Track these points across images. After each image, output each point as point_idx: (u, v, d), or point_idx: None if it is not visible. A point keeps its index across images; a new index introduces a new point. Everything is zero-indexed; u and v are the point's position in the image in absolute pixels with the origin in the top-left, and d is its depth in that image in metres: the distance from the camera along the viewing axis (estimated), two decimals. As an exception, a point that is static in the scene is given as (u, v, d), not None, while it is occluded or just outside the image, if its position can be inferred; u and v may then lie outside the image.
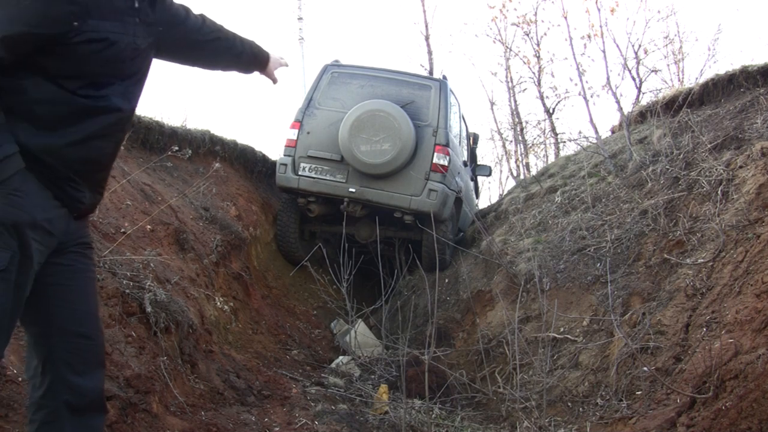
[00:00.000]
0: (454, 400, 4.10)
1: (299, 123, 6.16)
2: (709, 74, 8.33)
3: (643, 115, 7.45)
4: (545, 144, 15.75)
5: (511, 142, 15.69)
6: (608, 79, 7.01)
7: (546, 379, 3.66)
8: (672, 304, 3.76)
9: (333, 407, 3.70)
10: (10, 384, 2.31)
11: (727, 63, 23.23)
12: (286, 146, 6.17)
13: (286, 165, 6.07)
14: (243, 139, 9.57)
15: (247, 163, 6.98)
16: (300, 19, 18.61)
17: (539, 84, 13.64)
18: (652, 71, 11.01)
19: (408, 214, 5.95)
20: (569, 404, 3.70)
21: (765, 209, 3.78)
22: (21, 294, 1.61)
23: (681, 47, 13.46)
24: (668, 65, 13.44)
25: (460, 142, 6.89)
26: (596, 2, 7.56)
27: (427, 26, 14.57)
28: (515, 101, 14.35)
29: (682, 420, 2.83)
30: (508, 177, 16.96)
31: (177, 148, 5.30)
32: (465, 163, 7.25)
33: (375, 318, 5.77)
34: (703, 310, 3.50)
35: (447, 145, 5.98)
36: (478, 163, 8.54)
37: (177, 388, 3.15)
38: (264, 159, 7.32)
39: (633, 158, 5.81)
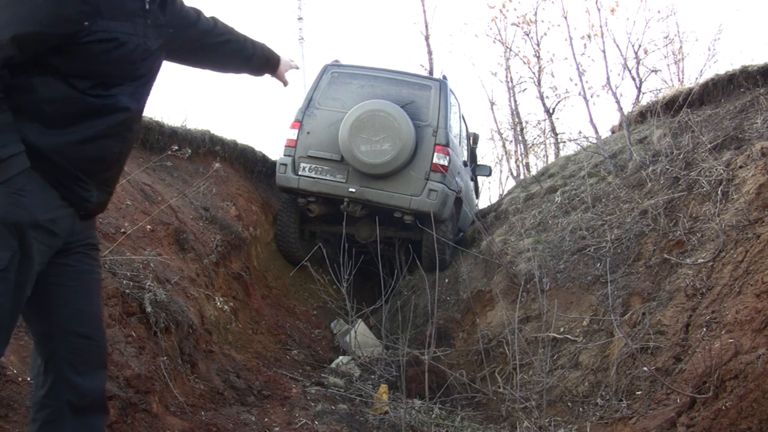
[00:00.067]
0: (454, 400, 4.10)
1: (299, 123, 6.16)
2: (709, 74, 8.34)
3: (643, 115, 7.45)
4: (545, 144, 15.77)
5: (511, 142, 15.71)
6: (608, 79, 7.02)
7: (546, 379, 3.66)
8: (672, 304, 3.76)
9: (333, 407, 3.70)
10: (10, 384, 2.31)
11: (727, 63, 23.27)
12: (286, 146, 6.17)
13: (286, 165, 6.07)
14: (243, 139, 9.58)
15: (247, 163, 6.98)
16: (300, 19, 18.61)
17: (539, 84, 13.65)
18: (652, 71, 11.01)
19: (408, 214, 5.95)
20: (569, 404, 3.70)
21: (765, 209, 3.78)
22: (21, 294, 1.61)
23: (681, 47, 13.48)
24: (668, 65, 13.46)
25: (460, 142, 6.89)
26: (596, 2, 7.56)
27: (427, 26, 14.59)
28: (515, 101, 14.37)
29: (682, 420, 2.83)
30: (508, 177, 16.98)
31: (177, 147, 5.30)
32: (465, 163, 7.25)
33: (375, 318, 5.77)
34: (703, 310, 3.50)
35: (447, 145, 5.98)
36: (478, 163, 8.54)
37: (177, 388, 3.15)
38: (264, 159, 7.32)
39: (633, 158, 5.81)
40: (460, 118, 7.09)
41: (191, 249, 4.41)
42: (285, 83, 2.52)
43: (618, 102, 7.31)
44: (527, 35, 13.65)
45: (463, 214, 7.00)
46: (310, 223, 6.55)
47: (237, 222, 5.60)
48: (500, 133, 16.20)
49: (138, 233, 3.91)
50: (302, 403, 3.70)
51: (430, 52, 14.52)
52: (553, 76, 18.98)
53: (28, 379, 2.37)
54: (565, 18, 8.44)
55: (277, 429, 3.28)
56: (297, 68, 2.58)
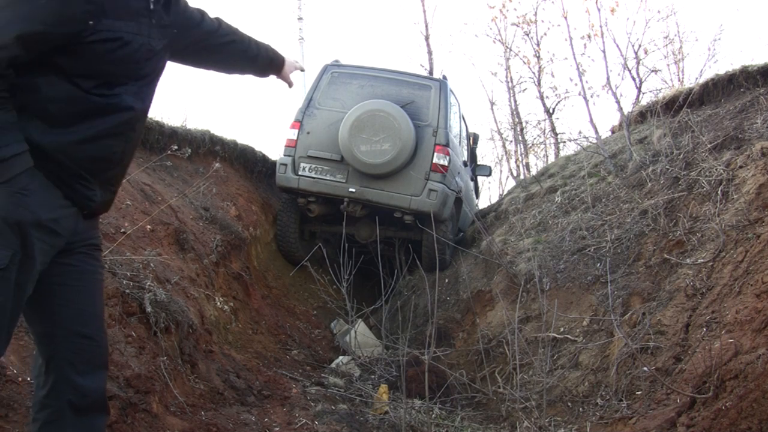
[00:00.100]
0: (454, 400, 4.10)
1: (299, 123, 6.16)
2: (709, 74, 8.33)
3: (643, 115, 7.45)
4: (545, 144, 15.77)
5: (511, 142, 15.71)
6: (608, 79, 7.02)
7: (546, 379, 3.66)
8: (672, 304, 3.76)
9: (333, 407, 3.70)
10: (10, 384, 2.31)
11: (727, 63, 23.27)
12: (286, 146, 6.17)
13: (286, 165, 6.07)
14: (243, 139, 9.58)
15: (247, 163, 6.98)
16: (300, 19, 18.59)
17: (539, 84, 13.65)
18: (652, 71, 11.01)
19: (408, 214, 5.95)
20: (569, 404, 3.70)
21: (765, 209, 3.78)
22: (22, 293, 1.61)
23: (681, 47, 13.48)
24: (668, 65, 13.46)
25: (460, 142, 6.89)
26: (596, 2, 7.56)
27: (427, 26, 14.59)
28: (515, 101, 14.37)
29: (682, 420, 2.83)
30: (508, 177, 16.98)
31: (176, 147, 5.30)
32: (465, 163, 7.25)
33: (375, 318, 5.77)
34: (703, 310, 3.50)
35: (447, 145, 5.98)
36: (478, 163, 8.54)
37: (177, 388, 3.15)
38: (264, 159, 7.32)
39: (633, 158, 5.81)
40: (460, 118, 7.09)
41: (191, 249, 4.41)
42: (290, 84, 2.53)
43: (618, 102, 7.31)
44: (527, 35, 13.66)
45: (463, 214, 7.00)
46: (310, 223, 6.55)
47: (237, 222, 5.60)
48: (500, 133, 16.22)
49: (138, 233, 3.91)
50: (302, 403, 3.70)
51: (430, 52, 14.53)
52: (553, 76, 19.02)
53: (28, 379, 2.37)
54: (565, 18, 8.43)
55: (277, 429, 3.28)
56: (302, 70, 2.60)
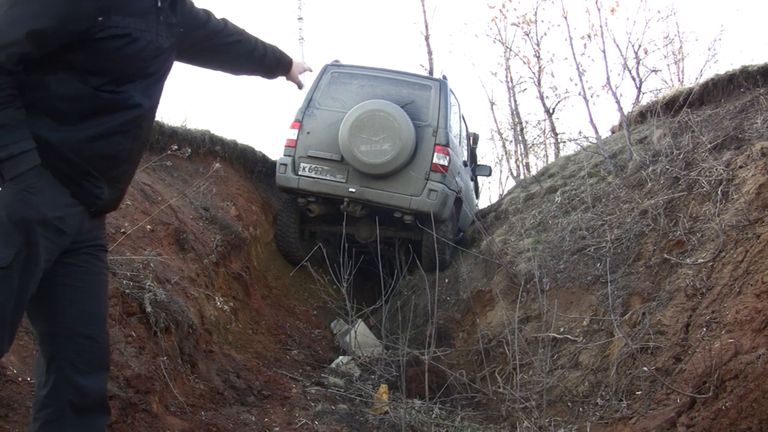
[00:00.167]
0: (454, 400, 4.10)
1: (299, 123, 6.16)
2: (709, 74, 8.34)
3: (643, 115, 7.45)
4: (545, 144, 15.77)
5: (511, 142, 15.71)
6: (608, 79, 7.02)
7: (546, 379, 3.66)
8: (672, 304, 3.76)
9: (333, 407, 3.70)
10: (10, 384, 2.31)
11: (727, 63, 23.25)
12: (286, 146, 6.17)
13: (286, 165, 6.07)
14: (243, 139, 9.58)
15: (247, 163, 6.98)
16: (300, 19, 18.58)
17: (539, 84, 13.65)
18: (652, 71, 11.00)
19: (408, 214, 5.95)
20: (569, 404, 3.70)
21: (765, 209, 3.78)
22: (25, 292, 1.61)
23: (681, 47, 13.48)
24: (668, 65, 13.45)
25: (460, 142, 6.89)
26: (596, 2, 7.56)
27: (427, 26, 14.59)
28: (515, 101, 14.37)
29: (682, 420, 2.83)
30: (508, 177, 16.98)
31: (176, 147, 5.30)
32: (465, 163, 7.25)
33: (375, 318, 5.77)
34: (703, 310, 3.50)
35: (447, 145, 5.98)
36: (478, 163, 8.54)
37: (177, 388, 3.15)
38: (264, 159, 7.32)
39: (633, 158, 5.81)
40: (460, 118, 7.09)
41: (191, 249, 4.41)
42: (299, 85, 2.56)
43: (618, 102, 7.31)
44: (527, 35, 13.66)
45: (463, 214, 7.00)
46: (310, 223, 6.55)
47: (237, 222, 5.60)
48: (500, 133, 16.22)
49: (138, 233, 3.91)
50: (302, 403, 3.70)
51: (430, 52, 14.53)
52: (553, 76, 19.01)
53: (28, 379, 2.37)
54: (565, 18, 8.45)
55: (277, 429, 3.28)
56: (311, 70, 2.62)
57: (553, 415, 3.60)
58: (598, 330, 4.16)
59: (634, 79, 9.15)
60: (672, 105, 6.39)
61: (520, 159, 14.64)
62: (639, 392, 3.37)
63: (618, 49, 12.09)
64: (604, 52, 6.96)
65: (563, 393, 3.79)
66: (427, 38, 14.54)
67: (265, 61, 2.31)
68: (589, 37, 10.56)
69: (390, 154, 5.74)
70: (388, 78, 6.32)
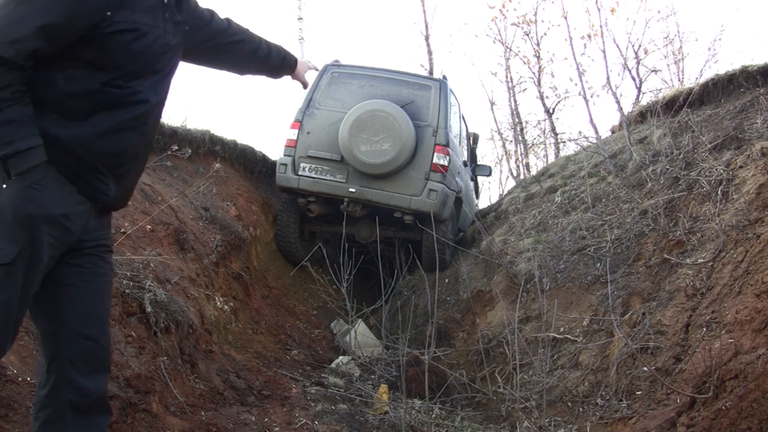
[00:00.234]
0: (454, 400, 4.10)
1: (299, 123, 6.16)
2: (709, 74, 8.33)
3: (643, 115, 7.45)
4: (545, 144, 15.76)
5: (511, 142, 15.71)
6: (608, 79, 7.01)
7: (546, 379, 3.66)
8: (672, 304, 3.76)
9: (333, 407, 3.70)
10: (10, 384, 2.31)
11: (727, 63, 23.24)
12: (286, 146, 6.17)
13: (286, 165, 6.07)
14: (243, 139, 9.58)
15: (247, 163, 6.98)
16: (300, 19, 18.58)
17: (539, 84, 13.64)
18: (652, 71, 11.00)
19: (408, 214, 5.95)
20: (569, 404, 3.70)
21: (765, 209, 3.78)
22: (28, 289, 1.61)
23: (681, 47, 13.47)
24: (668, 65, 13.45)
25: (460, 142, 6.89)
26: (596, 2, 7.56)
27: (427, 26, 14.58)
28: (515, 101, 14.36)
29: (682, 420, 2.83)
30: (508, 177, 16.97)
31: (177, 147, 5.30)
32: (465, 163, 7.25)
33: (375, 318, 5.77)
34: (703, 310, 3.50)
35: (447, 145, 5.98)
36: (478, 163, 8.54)
37: (177, 388, 3.15)
38: (264, 159, 7.32)
39: (633, 158, 5.81)
40: (460, 118, 7.09)
41: (191, 249, 4.41)
42: (305, 84, 2.57)
43: (618, 102, 7.31)
44: (527, 35, 13.65)
45: (463, 214, 7.00)
46: (310, 223, 6.55)
47: (237, 222, 5.60)
48: (500, 133, 16.21)
49: (138, 233, 3.91)
50: (302, 403, 3.70)
51: (430, 52, 14.52)
52: (553, 76, 18.99)
53: (29, 379, 2.37)
54: (565, 18, 8.43)
55: (277, 429, 3.28)
56: (316, 69, 2.63)
57: (553, 415, 3.60)
58: (598, 330, 4.16)
59: (634, 79, 9.16)
60: (672, 105, 6.39)
61: (520, 159, 14.65)
62: (639, 392, 3.37)
63: (618, 49, 12.08)
64: (604, 52, 6.96)
65: (563, 393, 3.80)
66: (427, 38, 14.54)
67: (270, 60, 2.32)
68: (589, 37, 10.55)
69: (390, 154, 5.74)
70: (388, 78, 6.32)
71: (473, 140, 8.14)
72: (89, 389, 1.75)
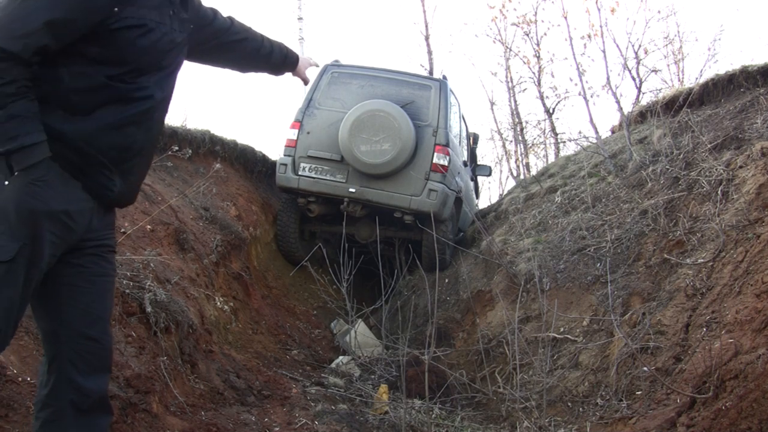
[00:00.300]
0: (454, 400, 4.10)
1: (299, 123, 6.16)
2: (709, 74, 8.33)
3: (643, 115, 7.45)
4: (545, 144, 15.76)
5: (511, 142, 15.69)
6: (608, 79, 7.01)
7: (546, 379, 3.66)
8: (672, 304, 3.76)
9: (333, 407, 3.70)
10: (10, 384, 2.31)
11: (727, 63, 23.25)
12: (286, 146, 6.17)
13: (286, 165, 6.07)
14: (243, 139, 9.58)
15: (247, 163, 6.98)
16: (300, 19, 18.59)
17: (539, 84, 13.63)
18: (652, 71, 10.99)
19: (408, 214, 5.95)
20: (569, 404, 3.70)
21: (765, 209, 3.78)
22: (28, 286, 1.60)
23: (681, 47, 13.47)
24: (668, 65, 13.45)
25: (460, 142, 6.89)
26: (596, 2, 7.56)
27: (427, 26, 14.57)
28: (515, 101, 14.35)
29: (682, 420, 2.83)
30: (508, 177, 16.96)
31: (177, 147, 5.30)
32: (465, 163, 7.25)
33: (375, 318, 5.77)
34: (703, 310, 3.50)
35: (447, 145, 5.98)
36: (478, 163, 8.54)
37: (177, 388, 3.15)
38: (264, 159, 7.32)
39: (633, 158, 5.81)
40: (460, 118, 7.09)
41: (191, 249, 4.41)
42: (306, 81, 2.59)
43: (618, 102, 7.30)
44: (527, 35, 13.64)
45: (463, 214, 7.00)
46: (310, 223, 6.55)
47: (237, 222, 5.60)
48: (500, 133, 16.20)
49: (138, 233, 3.91)
50: (302, 403, 3.70)
51: (430, 52, 14.51)
52: (553, 76, 18.97)
53: (29, 379, 2.37)
54: (565, 18, 8.43)
55: (277, 429, 3.28)
56: (317, 65, 2.65)
57: (553, 415, 3.60)
58: (598, 330, 4.16)
59: (634, 79, 9.15)
60: (672, 105, 6.39)
61: (520, 159, 14.64)
62: (639, 392, 3.37)
63: (618, 49, 12.08)
64: (604, 52, 6.96)
65: (563, 393, 3.80)
66: (427, 38, 14.54)
67: (272, 58, 2.34)
68: (589, 37, 10.54)
69: (390, 154, 5.74)
70: (388, 78, 6.32)
71: (473, 140, 8.15)
72: (90, 389, 1.75)
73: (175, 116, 12.75)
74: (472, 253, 6.08)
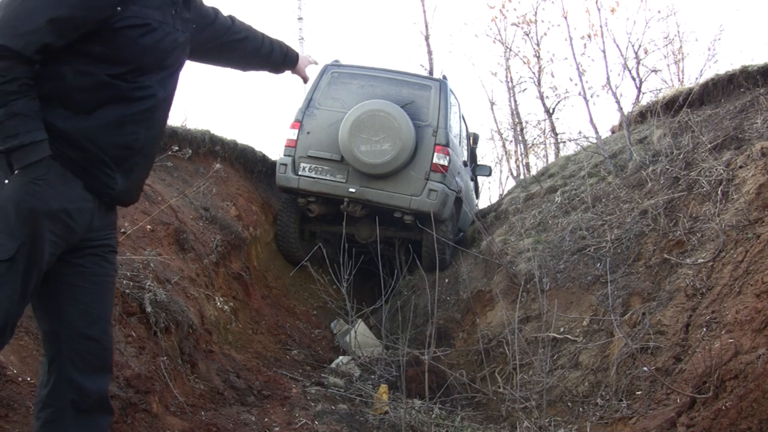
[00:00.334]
0: (454, 400, 4.10)
1: (299, 123, 6.16)
2: (709, 74, 8.33)
3: (643, 115, 7.45)
4: (545, 144, 15.76)
5: (511, 142, 15.68)
6: (608, 79, 7.01)
7: (546, 379, 3.66)
8: (672, 304, 3.76)
9: (333, 407, 3.70)
10: (10, 384, 2.31)
11: (727, 63, 23.24)
12: (286, 146, 6.17)
13: (286, 165, 6.07)
14: (243, 139, 9.58)
15: (247, 163, 6.98)
16: (300, 19, 18.60)
17: (539, 84, 13.63)
18: (652, 71, 10.99)
19: (408, 214, 5.95)
20: (569, 404, 3.70)
21: (765, 209, 3.78)
22: (28, 285, 1.60)
23: (681, 47, 13.47)
24: (668, 65, 13.45)
25: (460, 142, 6.89)
26: (596, 2, 7.56)
27: (427, 26, 14.56)
28: (515, 101, 14.34)
29: (682, 420, 2.83)
30: (508, 177, 16.96)
31: (177, 147, 5.30)
32: (465, 163, 7.25)
33: (375, 318, 5.77)
34: (703, 310, 3.50)
35: (447, 145, 5.98)
36: (478, 163, 8.54)
37: (177, 388, 3.15)
38: (264, 159, 7.32)
39: (633, 158, 5.81)
40: (460, 118, 7.09)
41: (191, 249, 4.41)
42: (305, 79, 2.61)
43: (618, 102, 7.30)
44: (527, 35, 13.63)
45: (463, 214, 7.00)
46: (310, 223, 6.55)
47: (237, 222, 5.60)
48: (500, 133, 16.19)
49: (138, 233, 3.91)
50: (302, 403, 3.70)
51: (430, 52, 14.51)
52: (553, 76, 18.94)
53: (28, 379, 2.37)
54: (565, 18, 8.42)
55: (277, 429, 3.28)
56: (316, 63, 2.67)
57: (553, 415, 3.60)
58: (598, 330, 4.16)
59: (634, 79, 9.14)
60: (672, 105, 6.39)
61: (520, 159, 14.63)
62: (639, 392, 3.37)
63: (618, 49, 12.06)
64: (604, 52, 6.95)
65: (563, 393, 3.80)
66: (427, 38, 14.53)
67: (272, 57, 2.35)
68: (589, 37, 10.54)
69: (390, 154, 5.74)
70: (388, 78, 6.32)
71: (473, 140, 8.14)
72: (90, 389, 1.75)
73: (175, 116, 12.74)
74: (472, 253, 6.08)
